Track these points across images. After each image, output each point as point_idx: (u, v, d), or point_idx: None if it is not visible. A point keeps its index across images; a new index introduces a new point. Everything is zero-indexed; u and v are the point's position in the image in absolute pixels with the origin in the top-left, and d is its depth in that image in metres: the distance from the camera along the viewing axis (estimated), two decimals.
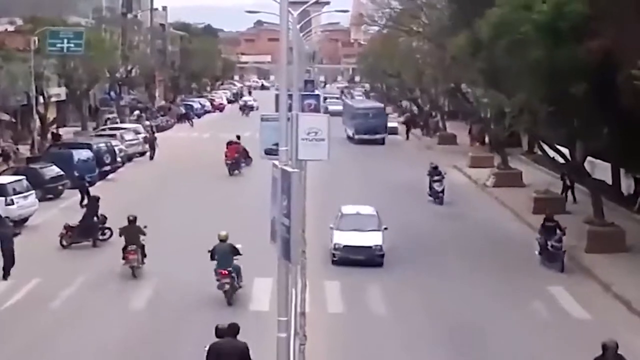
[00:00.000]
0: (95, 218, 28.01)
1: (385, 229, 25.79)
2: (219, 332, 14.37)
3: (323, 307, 21.21)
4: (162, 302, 21.63)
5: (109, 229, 27.74)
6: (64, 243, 27.53)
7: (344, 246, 25.04)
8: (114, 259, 25.89)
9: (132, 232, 24.46)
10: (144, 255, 24.42)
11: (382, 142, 58.84)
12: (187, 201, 35.22)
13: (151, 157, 50.39)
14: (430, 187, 35.72)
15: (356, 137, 59.10)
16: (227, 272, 21.45)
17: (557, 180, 36.58)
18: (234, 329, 14.20)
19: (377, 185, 40.26)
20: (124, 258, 24.20)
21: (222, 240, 22.00)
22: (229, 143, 44.54)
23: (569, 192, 35.03)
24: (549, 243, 25.20)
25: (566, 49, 23.93)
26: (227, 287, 21.48)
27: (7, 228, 25.01)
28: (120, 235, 24.83)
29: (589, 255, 25.85)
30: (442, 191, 35.22)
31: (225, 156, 43.70)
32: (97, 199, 28.98)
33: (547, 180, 37.13)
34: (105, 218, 28.11)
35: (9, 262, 23.81)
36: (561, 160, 30.90)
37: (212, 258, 21.97)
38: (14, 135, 52.26)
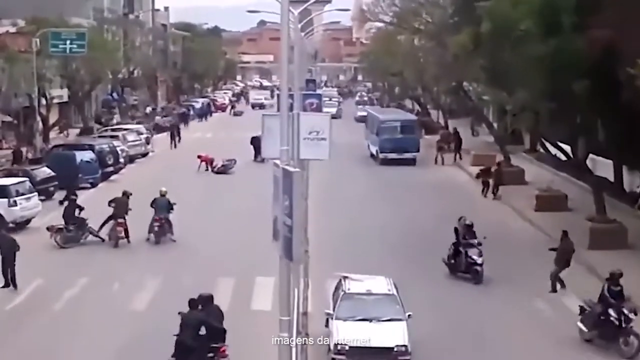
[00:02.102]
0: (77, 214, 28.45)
1: (409, 316, 17.79)
2: (189, 303, 16.56)
3: (325, 306, 21.19)
4: (163, 303, 21.63)
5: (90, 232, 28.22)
6: (60, 242, 27.66)
7: (351, 348, 16.90)
8: (115, 260, 26.02)
9: (122, 204, 27.97)
10: (127, 234, 27.67)
11: (412, 162, 47.81)
12: (188, 203, 35.22)
13: (175, 146, 55.77)
14: (456, 253, 24.14)
15: (380, 156, 48.16)
16: (159, 218, 27.87)
17: (555, 177, 36.54)
18: (192, 302, 16.49)
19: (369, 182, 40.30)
20: (102, 228, 27.69)
21: (163, 195, 28.55)
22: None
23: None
24: (612, 314, 18.41)
25: (565, 43, 23.90)
26: (156, 228, 27.80)
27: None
28: (110, 205, 27.81)
29: (592, 252, 25.83)
30: (483, 264, 23.67)
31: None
32: (75, 198, 29.58)
33: (549, 177, 37.10)
34: (84, 220, 28.34)
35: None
36: (563, 158, 30.89)
37: (152, 206, 28.13)
38: (17, 136, 52.33)
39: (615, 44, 23.34)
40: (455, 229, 24.42)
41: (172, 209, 28.48)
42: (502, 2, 25.96)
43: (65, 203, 29.60)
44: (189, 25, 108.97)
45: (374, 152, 49.87)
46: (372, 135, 51.49)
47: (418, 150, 48.62)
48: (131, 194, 28.90)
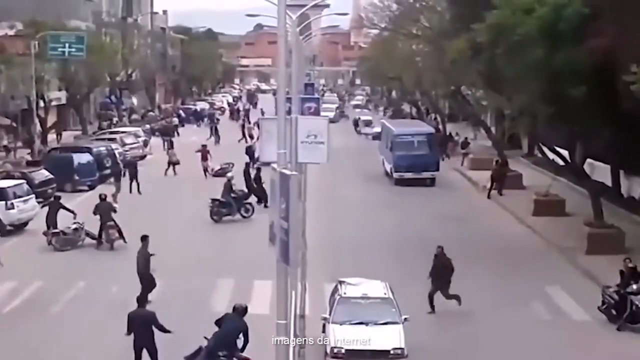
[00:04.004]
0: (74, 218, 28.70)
1: (406, 319, 17.84)
2: (137, 303, 17.80)
3: (322, 309, 21.20)
4: (162, 306, 21.59)
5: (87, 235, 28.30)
6: (57, 245, 27.63)
7: (348, 351, 17.02)
8: (112, 262, 26.01)
9: (105, 208, 27.93)
10: (121, 234, 27.58)
11: (431, 183, 41.98)
12: (187, 204, 35.25)
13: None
14: (621, 299, 20.31)
15: (395, 175, 42.19)
16: (215, 199, 32.26)
17: (553, 181, 36.49)
18: (141, 301, 17.83)
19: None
20: (102, 235, 27.67)
21: (229, 179, 32.89)
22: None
23: None
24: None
25: (566, 51, 23.98)
26: (215, 210, 31.99)
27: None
28: (95, 214, 27.85)
29: (589, 257, 25.87)
30: None
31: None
32: (59, 197, 29.91)
33: (547, 182, 37.09)
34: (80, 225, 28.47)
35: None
36: (561, 162, 30.92)
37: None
38: (15, 139, 52.30)
39: (614, 51, 23.38)
40: (621, 272, 21.03)
41: (233, 193, 32.54)
42: (502, 12, 25.95)
43: (49, 203, 29.63)
44: (185, 29, 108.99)
45: (389, 171, 43.84)
46: (386, 150, 45.41)
47: (438, 169, 42.41)
48: (106, 196, 29.04)
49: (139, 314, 17.27)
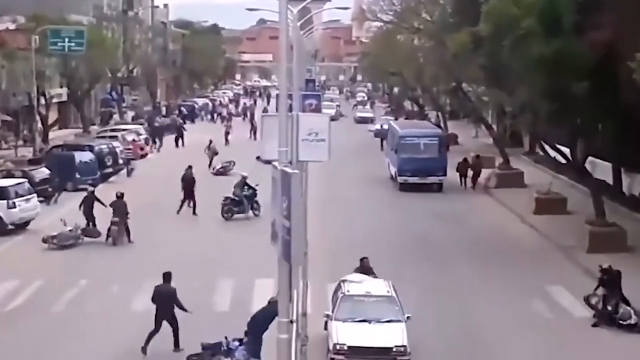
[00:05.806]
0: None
1: (408, 317, 17.90)
2: (164, 277, 18.65)
3: (325, 308, 21.17)
4: None
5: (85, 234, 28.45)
6: (58, 243, 27.65)
7: (350, 348, 17.17)
8: (116, 261, 26.00)
9: (120, 206, 28.08)
10: (129, 234, 28.06)
11: (439, 189, 39.69)
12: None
13: (182, 144, 55.77)
14: (605, 305, 20.51)
15: (399, 179, 39.81)
16: (227, 197, 32.23)
17: (555, 179, 36.44)
18: (167, 277, 18.66)
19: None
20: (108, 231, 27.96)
21: (244, 177, 32.65)
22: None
23: None
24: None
25: (566, 43, 23.92)
26: (226, 208, 31.92)
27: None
28: (110, 206, 28.12)
29: (591, 256, 25.82)
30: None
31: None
32: (93, 191, 30.15)
33: (548, 180, 37.09)
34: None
35: None
36: (562, 160, 30.88)
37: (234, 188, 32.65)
38: (15, 136, 52.22)
39: (615, 44, 23.34)
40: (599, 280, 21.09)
41: (246, 189, 32.10)
42: (502, 2, 25.95)
43: (84, 198, 29.66)
44: (187, 23, 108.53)
45: (393, 174, 41.63)
46: (391, 153, 43.04)
47: (445, 174, 39.66)
48: (123, 194, 28.72)
49: (163, 289, 18.46)
